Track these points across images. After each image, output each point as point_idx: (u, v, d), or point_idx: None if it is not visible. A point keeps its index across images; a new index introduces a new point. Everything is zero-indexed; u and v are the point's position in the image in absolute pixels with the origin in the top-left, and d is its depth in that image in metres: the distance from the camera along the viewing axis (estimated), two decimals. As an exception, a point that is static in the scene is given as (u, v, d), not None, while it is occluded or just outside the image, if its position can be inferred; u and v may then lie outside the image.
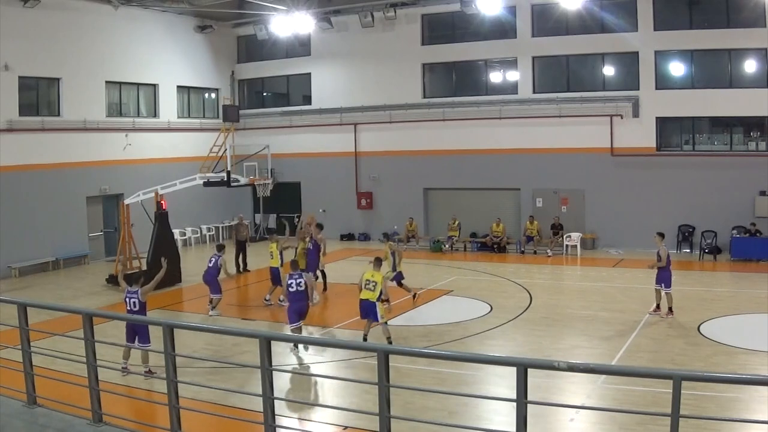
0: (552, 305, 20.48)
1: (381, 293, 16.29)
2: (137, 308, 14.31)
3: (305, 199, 35.65)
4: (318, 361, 15.54)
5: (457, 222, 31.38)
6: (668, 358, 15.03)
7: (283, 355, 15.34)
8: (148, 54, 31.82)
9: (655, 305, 18.62)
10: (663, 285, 18.48)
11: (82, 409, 8.57)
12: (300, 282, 16.06)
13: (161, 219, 24.35)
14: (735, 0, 27.20)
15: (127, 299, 14.40)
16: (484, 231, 31.26)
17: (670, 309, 18.32)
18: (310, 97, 35.54)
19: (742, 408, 11.86)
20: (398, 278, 20.62)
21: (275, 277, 20.46)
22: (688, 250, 28.36)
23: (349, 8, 32.46)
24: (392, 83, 33.00)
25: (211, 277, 19.72)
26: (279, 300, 20.22)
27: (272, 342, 7.47)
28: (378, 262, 16.68)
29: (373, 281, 16.15)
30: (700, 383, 6.57)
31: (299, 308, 16.15)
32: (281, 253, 20.93)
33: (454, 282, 24.01)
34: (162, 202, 24.39)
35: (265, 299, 20.94)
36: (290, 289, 16.05)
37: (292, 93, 36.95)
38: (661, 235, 18.92)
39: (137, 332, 13.90)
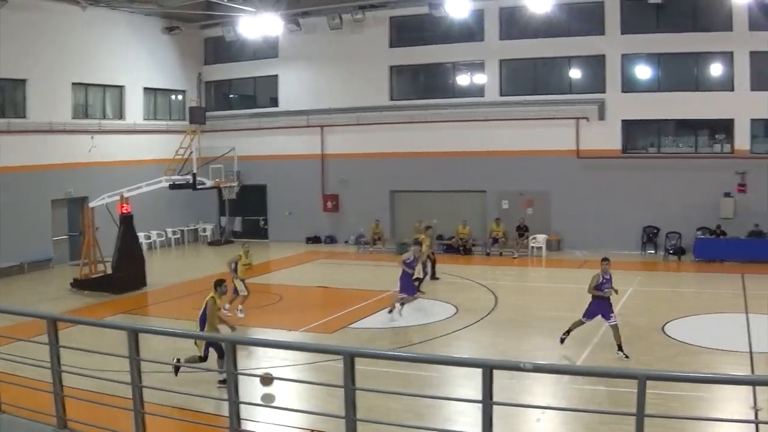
0: (518, 307, 20.60)
1: None
2: None
3: (271, 201, 35.51)
4: (282, 364, 15.46)
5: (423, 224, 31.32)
6: (633, 358, 15.14)
7: (249, 358, 15.26)
8: (114, 55, 31.45)
9: None
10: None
11: (46, 415, 8.46)
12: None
13: (126, 222, 24.04)
14: (702, 4, 27.60)
15: None
16: (450, 233, 31.35)
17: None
18: (277, 99, 35.36)
19: (706, 407, 12.01)
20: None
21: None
22: (652, 251, 28.68)
23: (318, 10, 32.36)
24: (360, 85, 32.94)
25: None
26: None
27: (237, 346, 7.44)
28: None
29: None
30: (664, 383, 6.65)
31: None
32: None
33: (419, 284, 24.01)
34: (123, 206, 23.99)
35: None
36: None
37: (259, 95, 36.77)
38: None
39: None
